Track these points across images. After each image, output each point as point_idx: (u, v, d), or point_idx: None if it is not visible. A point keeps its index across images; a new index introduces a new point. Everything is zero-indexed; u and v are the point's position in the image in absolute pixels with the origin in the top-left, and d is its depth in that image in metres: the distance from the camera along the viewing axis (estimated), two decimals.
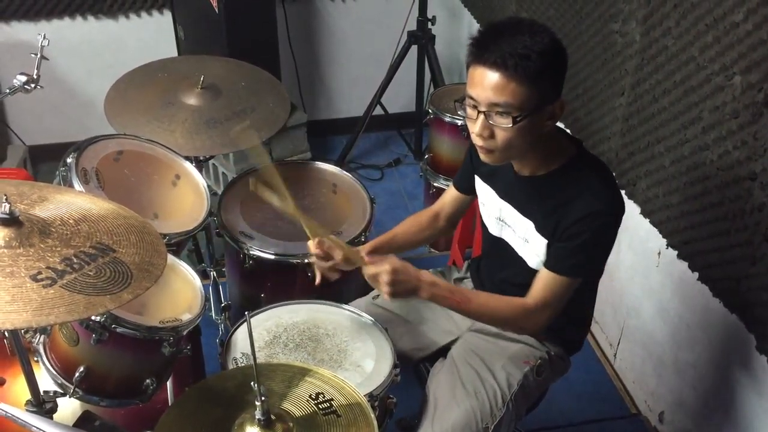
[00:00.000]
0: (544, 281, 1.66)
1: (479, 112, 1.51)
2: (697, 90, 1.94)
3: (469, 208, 2.03)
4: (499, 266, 1.87)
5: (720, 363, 2.11)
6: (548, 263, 1.66)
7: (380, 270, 1.62)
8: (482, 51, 1.48)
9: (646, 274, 2.42)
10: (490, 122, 1.51)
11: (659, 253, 2.31)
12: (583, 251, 1.61)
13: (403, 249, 1.98)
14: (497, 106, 1.49)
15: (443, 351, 1.94)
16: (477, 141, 1.57)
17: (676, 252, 2.16)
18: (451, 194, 1.98)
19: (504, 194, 1.75)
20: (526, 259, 1.73)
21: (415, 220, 2.00)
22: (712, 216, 1.96)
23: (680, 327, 2.28)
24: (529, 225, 1.69)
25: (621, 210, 1.63)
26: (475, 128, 1.54)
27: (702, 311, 2.14)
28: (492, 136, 1.53)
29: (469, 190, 1.92)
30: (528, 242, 1.71)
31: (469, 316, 1.77)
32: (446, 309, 1.97)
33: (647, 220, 2.27)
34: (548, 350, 1.86)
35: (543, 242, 1.66)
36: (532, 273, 1.72)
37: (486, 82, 1.48)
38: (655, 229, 2.24)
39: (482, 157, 1.61)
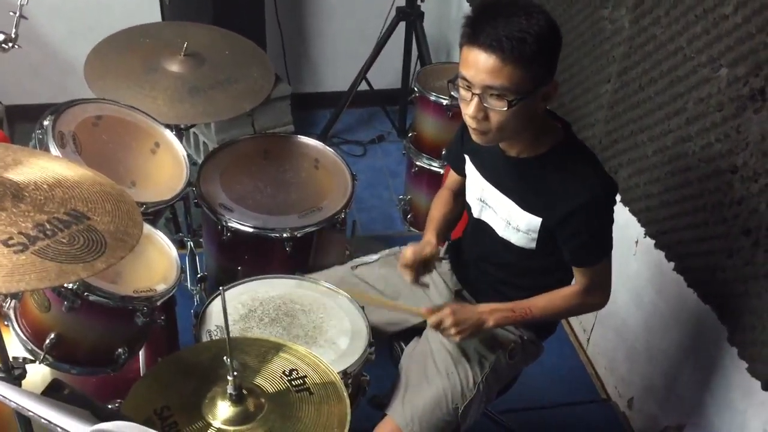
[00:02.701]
0: (579, 273, 1.71)
1: (473, 94, 1.49)
2: (683, 80, 1.94)
3: None
4: (479, 247, 1.87)
5: (691, 353, 2.13)
6: (571, 260, 1.69)
7: (441, 316, 1.69)
8: (477, 32, 1.44)
9: (622, 261, 2.43)
10: (485, 105, 1.49)
11: (637, 242, 2.33)
12: (593, 240, 1.65)
13: (452, 230, 2.02)
14: (492, 89, 1.46)
15: (418, 330, 1.94)
16: (471, 123, 1.55)
17: (653, 241, 2.17)
18: (453, 177, 1.98)
19: (487, 174, 1.74)
20: (510, 240, 1.73)
21: (444, 201, 1.99)
22: (691, 207, 1.97)
23: (654, 315, 2.30)
24: (511, 205, 1.68)
25: (613, 190, 1.64)
26: (468, 110, 1.51)
27: (676, 301, 2.16)
28: (486, 118, 1.51)
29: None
30: (510, 224, 1.70)
31: (537, 322, 1.81)
32: (422, 287, 1.97)
33: (627, 208, 2.27)
34: (521, 334, 1.87)
35: (533, 219, 1.66)
36: (518, 252, 1.73)
37: (481, 65, 1.45)
38: (633, 218, 2.25)
39: (474, 138, 1.59)
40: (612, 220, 1.66)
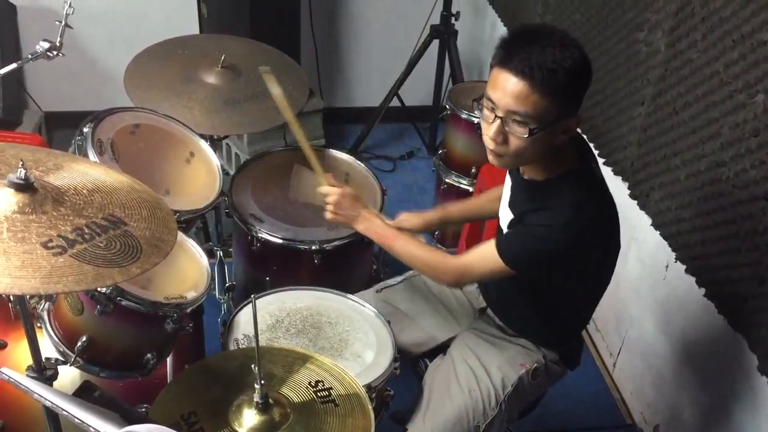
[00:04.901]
0: (482, 249, 1.66)
1: (496, 116, 1.50)
2: (718, 105, 1.93)
3: None
4: None
5: (719, 381, 2.10)
6: (498, 237, 1.66)
7: (332, 191, 1.85)
8: (511, 56, 1.45)
9: (652, 285, 2.41)
10: (506, 128, 1.50)
11: (667, 266, 2.31)
12: (527, 246, 1.58)
13: (476, 216, 2.13)
14: (516, 114, 1.47)
15: (443, 348, 1.94)
16: (489, 144, 1.56)
17: (684, 266, 2.14)
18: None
19: (510, 188, 1.76)
20: None
21: (493, 192, 1.97)
22: (723, 233, 1.95)
23: (682, 341, 2.27)
24: (509, 219, 1.69)
25: (580, 236, 1.54)
26: (489, 132, 1.52)
27: (705, 328, 2.14)
28: (505, 142, 1.52)
29: None
30: None
31: (394, 254, 1.83)
32: (447, 306, 2.01)
33: (657, 232, 2.25)
34: (545, 355, 1.86)
35: None
36: (530, 278, 1.71)
37: (509, 88, 1.46)
38: (664, 242, 2.23)
39: (490, 159, 1.59)
40: (553, 258, 1.57)
